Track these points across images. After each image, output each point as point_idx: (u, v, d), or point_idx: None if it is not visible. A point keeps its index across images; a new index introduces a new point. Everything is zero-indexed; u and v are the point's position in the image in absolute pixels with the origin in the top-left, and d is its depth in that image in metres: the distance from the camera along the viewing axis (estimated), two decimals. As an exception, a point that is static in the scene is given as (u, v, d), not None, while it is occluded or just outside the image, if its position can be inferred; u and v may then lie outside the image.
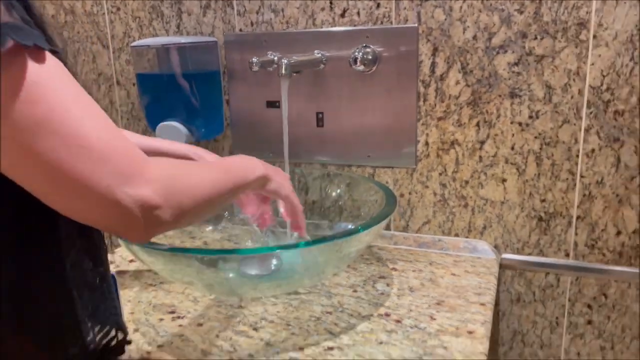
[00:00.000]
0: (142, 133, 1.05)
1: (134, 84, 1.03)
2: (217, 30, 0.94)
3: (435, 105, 0.84)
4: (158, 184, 0.42)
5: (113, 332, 0.53)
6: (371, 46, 0.84)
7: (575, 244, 0.82)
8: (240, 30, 0.92)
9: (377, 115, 0.87)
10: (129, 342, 0.55)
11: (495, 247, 0.86)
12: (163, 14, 0.97)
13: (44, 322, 0.45)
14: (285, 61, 0.75)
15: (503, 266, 0.86)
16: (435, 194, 0.88)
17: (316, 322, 0.66)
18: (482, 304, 0.70)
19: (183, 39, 0.93)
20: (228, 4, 0.92)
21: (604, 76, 0.75)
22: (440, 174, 0.87)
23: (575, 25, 0.75)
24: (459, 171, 0.85)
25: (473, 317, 0.66)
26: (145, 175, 0.41)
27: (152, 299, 0.73)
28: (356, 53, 0.84)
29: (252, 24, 0.91)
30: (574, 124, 0.78)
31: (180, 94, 0.93)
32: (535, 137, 0.80)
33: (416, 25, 0.82)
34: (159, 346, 0.62)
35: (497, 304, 0.88)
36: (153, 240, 0.45)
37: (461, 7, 0.79)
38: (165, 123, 0.92)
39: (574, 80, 0.77)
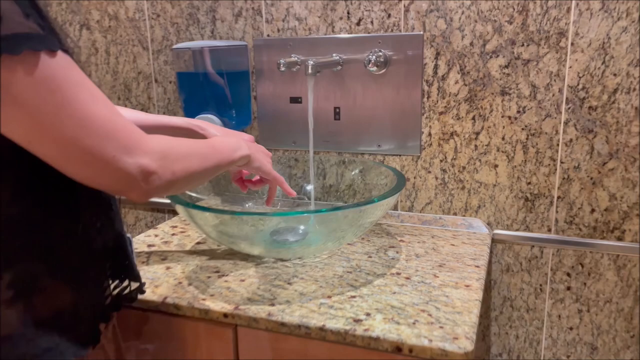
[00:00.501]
0: (177, 125, 1.18)
1: (170, 82, 1.16)
2: (247, 35, 1.07)
3: (437, 101, 0.98)
4: (154, 154, 0.52)
5: (126, 283, 0.64)
6: (382, 50, 0.98)
7: (556, 220, 0.96)
8: (268, 35, 1.06)
9: (387, 109, 1.01)
10: (143, 292, 0.67)
11: (488, 223, 1.00)
12: (199, 20, 1.10)
13: (67, 273, 0.56)
14: (311, 62, 0.89)
15: (494, 240, 1.00)
16: (436, 178, 1.01)
17: (339, 279, 0.79)
18: (477, 266, 0.83)
19: (218, 43, 1.06)
20: (257, 12, 1.05)
21: (580, 77, 0.89)
22: (441, 161, 1.00)
23: (556, 34, 0.89)
24: (457, 158, 0.99)
25: (469, 275, 0.80)
26: (143, 147, 0.51)
27: (197, 262, 0.86)
28: (369, 56, 0.98)
29: (278, 30, 1.05)
30: (555, 118, 0.92)
31: (214, 91, 1.06)
32: (522, 129, 0.94)
33: (421, 33, 0.96)
34: (211, 295, 0.75)
35: (489, 273, 1.02)
36: (214, 206, 0.58)
37: (460, 18, 0.93)
38: (202, 115, 1.05)
39: (554, 80, 0.91)
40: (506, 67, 0.92)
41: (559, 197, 0.95)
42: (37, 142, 0.48)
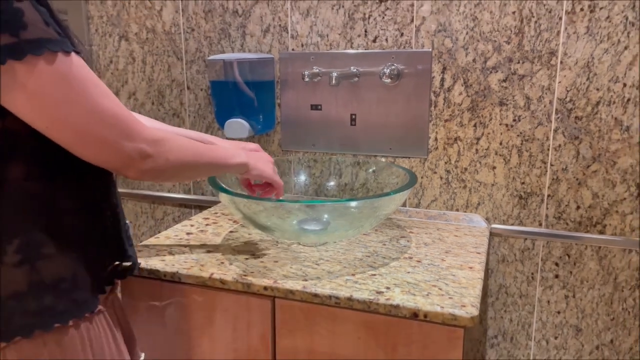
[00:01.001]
0: (206, 128, 1.30)
1: (201, 89, 1.29)
2: (274, 49, 1.20)
3: (443, 110, 1.11)
4: (151, 141, 0.63)
5: (118, 261, 0.71)
6: (395, 65, 1.11)
7: (546, 216, 1.09)
8: (293, 49, 1.19)
9: (398, 117, 1.14)
10: (132, 271, 0.73)
11: (487, 219, 1.13)
12: (230, 35, 1.23)
13: (69, 245, 0.64)
14: (335, 74, 1.02)
15: (492, 234, 1.13)
16: (441, 178, 1.14)
17: (360, 261, 0.91)
18: (478, 253, 0.96)
19: (247, 55, 1.19)
20: (284, 29, 1.19)
21: (567, 91, 1.03)
22: (445, 163, 1.13)
23: (547, 54, 1.03)
24: (460, 160, 1.12)
25: (472, 259, 0.93)
26: (142, 135, 0.62)
27: (234, 247, 0.98)
28: (384, 69, 1.11)
29: (302, 45, 1.18)
30: (546, 126, 1.05)
31: (243, 98, 1.18)
32: (518, 135, 1.07)
33: (430, 50, 1.09)
34: (251, 272, 0.87)
35: (487, 263, 1.14)
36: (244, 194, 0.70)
37: (464, 38, 1.06)
38: (232, 120, 1.17)
39: (546, 93, 1.04)
40: (504, 81, 1.06)
41: (549, 196, 1.08)
42: (53, 128, 0.57)
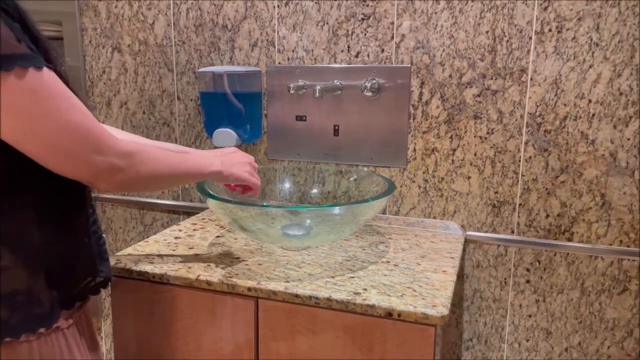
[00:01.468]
0: (195, 138, 1.35)
1: (191, 100, 1.34)
2: (261, 62, 1.26)
3: (421, 122, 1.17)
4: (122, 155, 0.64)
5: (90, 278, 0.72)
6: (376, 79, 1.17)
7: (518, 224, 1.15)
8: (279, 63, 1.25)
9: (379, 128, 1.20)
10: (105, 286, 0.74)
11: (462, 226, 1.18)
12: (219, 48, 1.28)
13: (28, 260, 0.64)
14: (319, 87, 1.07)
15: (467, 240, 1.18)
16: (419, 187, 1.20)
17: (340, 265, 0.96)
18: (452, 257, 1.01)
19: (237, 68, 1.24)
20: (271, 44, 1.24)
21: (537, 106, 1.09)
22: (423, 172, 1.19)
23: (519, 71, 1.09)
24: (437, 170, 1.18)
25: (446, 263, 0.98)
26: (113, 148, 0.63)
27: (220, 251, 1.03)
28: (366, 83, 1.17)
29: (288, 59, 1.24)
30: (517, 138, 1.12)
31: (232, 109, 1.23)
32: (491, 147, 1.14)
33: (409, 65, 1.15)
34: (236, 274, 0.91)
35: (462, 268, 1.20)
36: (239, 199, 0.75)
37: (441, 55, 1.13)
38: (220, 129, 1.22)
39: (517, 108, 1.11)
40: (478, 96, 1.12)
41: (520, 205, 1.14)
42: (24, 141, 0.58)
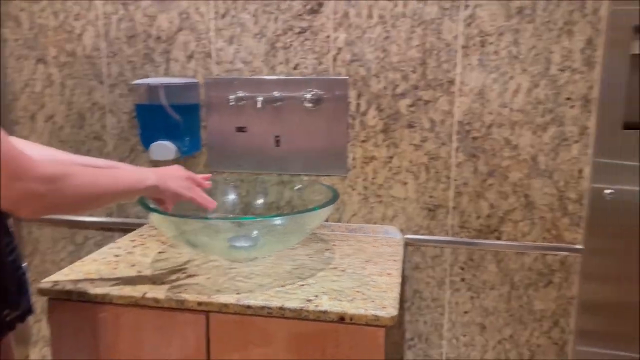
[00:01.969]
0: (129, 151, 1.31)
1: (124, 113, 1.29)
2: (198, 74, 1.25)
3: (360, 132, 1.21)
4: (43, 180, 0.60)
5: (8, 311, 0.70)
6: (316, 90, 1.20)
7: (452, 225, 1.22)
8: (217, 74, 1.24)
9: (319, 138, 1.23)
10: (22, 320, 0.72)
11: (401, 230, 1.24)
12: (154, 59, 1.26)
13: None
14: (261, 98, 1.08)
15: (406, 243, 1.23)
16: (360, 194, 1.24)
17: (289, 273, 0.97)
18: (395, 260, 1.06)
19: (173, 80, 1.22)
20: (208, 55, 1.24)
21: (465, 115, 1.17)
22: (363, 180, 1.23)
23: (447, 82, 1.16)
24: (376, 178, 1.23)
25: (390, 266, 1.02)
26: (32, 173, 0.59)
27: (163, 267, 1.00)
28: (305, 95, 1.20)
29: (226, 70, 1.24)
30: (448, 145, 1.19)
31: (169, 121, 1.21)
32: (425, 154, 1.20)
33: (347, 77, 1.19)
34: (185, 289, 0.90)
35: (402, 271, 1.25)
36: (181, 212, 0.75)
37: (376, 67, 1.18)
38: (158, 142, 1.20)
39: (447, 117, 1.18)
40: (412, 106, 1.18)
41: (453, 207, 1.21)
42: None
